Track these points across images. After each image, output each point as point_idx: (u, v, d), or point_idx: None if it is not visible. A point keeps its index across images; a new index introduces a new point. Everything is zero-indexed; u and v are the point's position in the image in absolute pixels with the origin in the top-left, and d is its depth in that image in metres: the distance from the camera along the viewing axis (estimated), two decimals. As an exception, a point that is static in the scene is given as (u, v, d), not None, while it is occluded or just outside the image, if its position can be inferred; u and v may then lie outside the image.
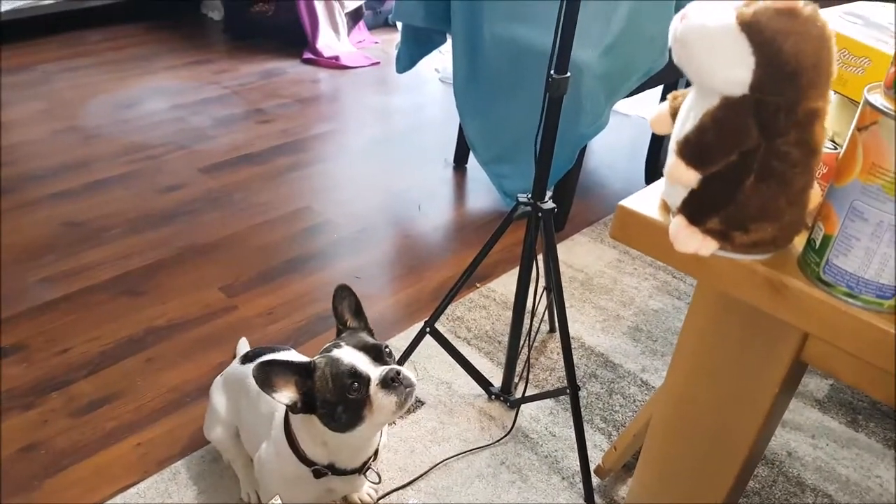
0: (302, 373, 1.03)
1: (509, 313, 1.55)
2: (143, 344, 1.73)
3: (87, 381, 1.61)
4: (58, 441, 1.46)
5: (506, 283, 2.01)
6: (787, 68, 0.53)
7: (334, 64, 3.60)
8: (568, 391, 1.40)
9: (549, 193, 1.35)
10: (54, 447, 1.45)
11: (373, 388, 1.01)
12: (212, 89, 3.24)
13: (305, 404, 1.03)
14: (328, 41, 3.70)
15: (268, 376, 1.00)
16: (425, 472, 1.43)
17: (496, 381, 1.62)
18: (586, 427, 1.52)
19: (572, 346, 1.44)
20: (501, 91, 2.14)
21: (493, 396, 1.61)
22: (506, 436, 1.52)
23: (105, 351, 1.70)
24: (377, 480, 1.21)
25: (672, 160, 0.59)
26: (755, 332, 0.68)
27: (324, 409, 1.03)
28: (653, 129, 0.70)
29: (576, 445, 1.41)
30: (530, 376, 1.68)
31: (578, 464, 1.42)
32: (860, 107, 0.54)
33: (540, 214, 1.34)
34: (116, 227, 2.18)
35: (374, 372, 1.03)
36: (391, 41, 3.95)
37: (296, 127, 2.93)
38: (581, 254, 2.18)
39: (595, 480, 1.43)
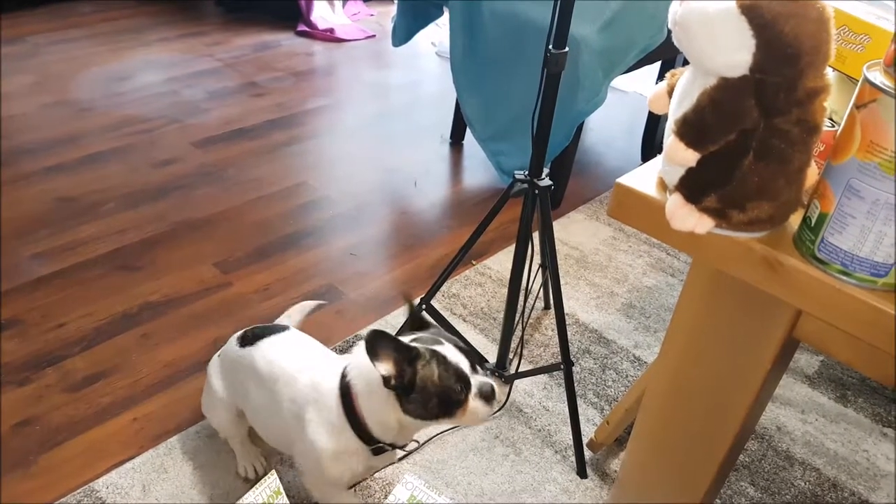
0: (404, 355, 1.03)
1: (504, 290, 1.56)
2: (137, 319, 1.73)
3: (82, 356, 1.62)
4: (53, 416, 1.47)
5: (501, 261, 2.01)
6: (788, 50, 0.53)
7: (329, 37, 3.56)
8: (562, 367, 1.42)
9: (545, 171, 1.34)
10: (49, 422, 1.45)
11: (471, 396, 1.05)
12: (205, 62, 3.21)
13: (399, 383, 1.04)
14: (323, 13, 3.65)
15: (374, 346, 1.01)
16: (420, 446, 1.44)
17: (491, 357, 1.63)
18: (579, 402, 1.53)
19: (566, 323, 1.44)
20: (500, 67, 2.12)
21: (488, 372, 1.62)
22: (499, 410, 1.53)
23: (100, 326, 1.70)
24: (409, 449, 1.22)
25: (670, 140, 0.59)
26: (749, 309, 0.68)
27: (419, 396, 1.04)
28: (651, 108, 0.69)
29: (569, 420, 1.43)
30: (525, 352, 1.69)
31: (571, 438, 1.43)
32: (859, 84, 0.54)
33: (536, 192, 1.33)
34: (110, 201, 2.17)
35: (474, 379, 1.06)
36: (387, 14, 3.90)
37: (290, 101, 2.91)
38: (576, 231, 2.18)
39: (588, 454, 1.45)
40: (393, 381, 1.03)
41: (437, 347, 1.06)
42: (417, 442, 1.21)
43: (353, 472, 1.16)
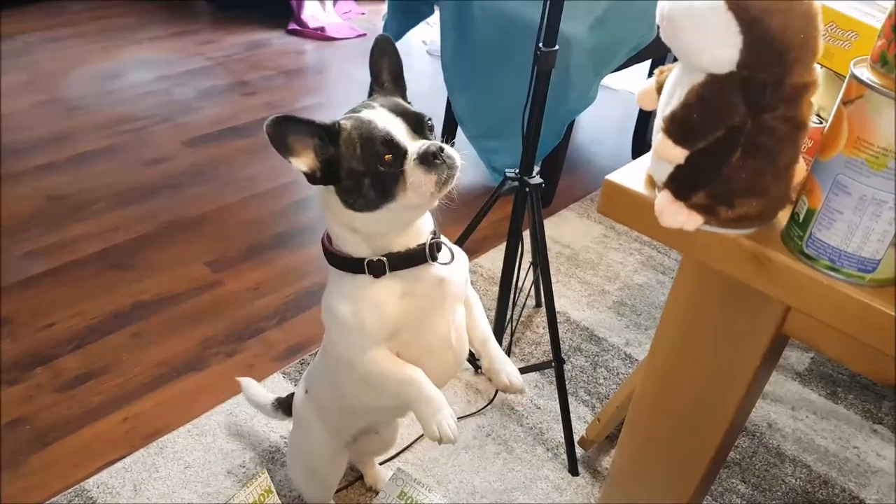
0: (323, 134, 0.85)
1: (496, 288, 1.56)
2: (129, 318, 1.72)
3: (73, 355, 1.61)
4: (43, 416, 1.46)
5: (493, 259, 2.01)
6: (775, 46, 0.53)
7: (320, 35, 3.55)
8: (553, 364, 1.42)
9: (536, 168, 1.35)
10: (40, 422, 1.45)
11: (409, 163, 0.85)
12: (196, 61, 3.19)
13: (325, 173, 0.86)
14: (313, 11, 3.64)
15: (283, 135, 0.82)
16: (411, 444, 1.44)
17: (483, 355, 1.63)
18: (571, 399, 1.53)
19: (558, 321, 1.45)
20: (490, 65, 2.12)
21: (480, 370, 1.62)
22: (488, 405, 1.53)
23: (91, 325, 1.69)
24: (449, 259, 0.97)
25: (659, 137, 0.59)
26: (738, 305, 0.68)
27: (348, 179, 0.86)
28: (640, 104, 0.69)
29: (560, 417, 1.43)
30: (516, 350, 1.69)
31: (563, 435, 1.44)
32: (846, 80, 0.54)
33: (528, 189, 1.34)
34: (101, 200, 2.16)
35: (413, 145, 0.86)
36: (378, 12, 3.89)
37: (281, 100, 2.90)
38: (568, 229, 2.19)
39: (579, 451, 1.45)
40: (318, 174, 0.86)
41: (364, 113, 0.87)
42: (451, 252, 0.98)
43: (382, 316, 0.93)
